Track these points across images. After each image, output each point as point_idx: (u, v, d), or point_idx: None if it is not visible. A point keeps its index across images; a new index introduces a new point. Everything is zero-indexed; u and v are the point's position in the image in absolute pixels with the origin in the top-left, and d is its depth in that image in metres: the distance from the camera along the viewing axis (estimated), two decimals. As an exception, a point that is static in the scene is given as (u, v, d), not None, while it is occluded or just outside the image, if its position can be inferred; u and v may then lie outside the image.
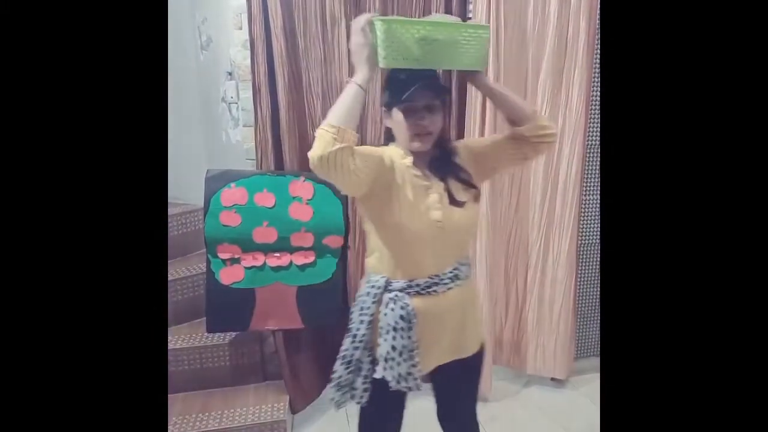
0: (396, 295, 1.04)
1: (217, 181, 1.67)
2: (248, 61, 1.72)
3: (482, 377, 1.25)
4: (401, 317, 1.03)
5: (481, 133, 1.81)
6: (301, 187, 1.72)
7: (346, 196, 1.78)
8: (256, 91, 1.67)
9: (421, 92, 0.98)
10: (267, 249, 1.72)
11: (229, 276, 1.70)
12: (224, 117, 2.12)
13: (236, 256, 1.70)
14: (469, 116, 1.81)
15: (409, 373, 1.07)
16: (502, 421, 1.97)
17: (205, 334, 1.86)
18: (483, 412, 2.00)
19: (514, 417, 1.99)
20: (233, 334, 1.92)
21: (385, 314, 1.04)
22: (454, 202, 1.04)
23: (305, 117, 1.78)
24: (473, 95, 1.78)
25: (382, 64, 0.92)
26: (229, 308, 1.72)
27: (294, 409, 1.90)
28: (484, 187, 1.83)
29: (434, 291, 1.05)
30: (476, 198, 1.09)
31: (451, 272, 1.07)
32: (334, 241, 1.77)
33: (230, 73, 2.00)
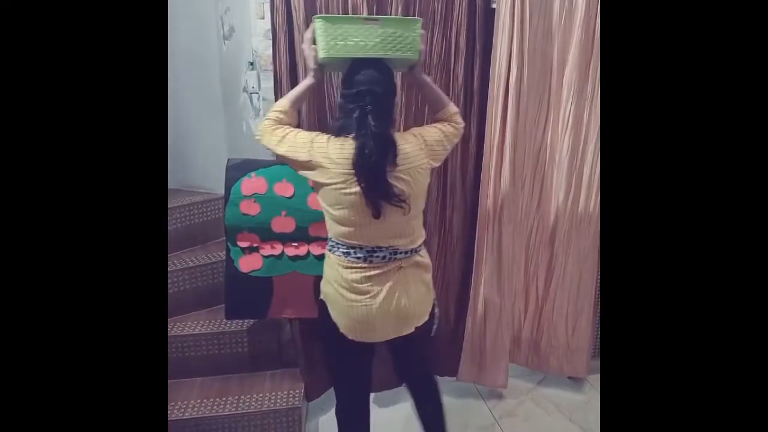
0: None
1: (237, 171, 1.68)
2: (270, 51, 1.72)
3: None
4: None
5: (502, 131, 1.78)
6: (320, 178, 1.72)
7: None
8: (277, 82, 1.68)
9: None
10: (285, 238, 1.73)
11: (247, 264, 1.72)
12: (245, 107, 2.14)
13: (255, 245, 1.72)
14: (489, 116, 1.79)
15: None
16: (518, 418, 1.96)
17: (224, 320, 1.90)
18: (498, 408, 2.00)
19: (529, 414, 1.98)
20: (251, 321, 1.95)
21: None
22: None
23: (325, 108, 1.77)
24: (494, 94, 1.76)
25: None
26: (247, 296, 1.74)
27: (309, 397, 1.92)
28: (506, 180, 1.81)
29: None
30: None
31: None
32: (351, 233, 1.78)
33: (252, 63, 2.01)
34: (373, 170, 1.14)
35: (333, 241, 1.30)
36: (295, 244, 1.74)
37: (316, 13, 1.67)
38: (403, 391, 2.05)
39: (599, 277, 2.06)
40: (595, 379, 2.16)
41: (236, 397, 1.79)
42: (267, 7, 1.73)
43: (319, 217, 1.73)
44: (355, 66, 1.22)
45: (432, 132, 1.31)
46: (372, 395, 2.03)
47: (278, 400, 1.78)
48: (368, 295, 1.24)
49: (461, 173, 1.86)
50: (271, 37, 1.67)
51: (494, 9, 1.74)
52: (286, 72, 1.66)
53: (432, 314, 1.38)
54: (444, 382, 2.09)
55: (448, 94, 1.81)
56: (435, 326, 1.43)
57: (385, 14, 1.69)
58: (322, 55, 1.21)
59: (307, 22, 1.65)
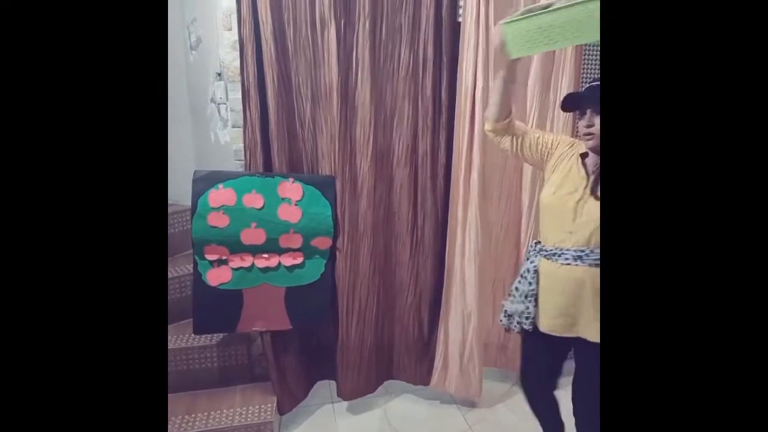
0: (533, 252, 1.33)
1: (204, 182, 1.66)
2: (237, 62, 1.71)
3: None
4: (527, 269, 1.32)
5: (470, 142, 1.82)
6: (290, 189, 1.72)
7: (335, 198, 1.78)
8: (245, 93, 1.67)
9: (569, 102, 1.26)
10: (255, 250, 1.71)
11: (216, 277, 1.70)
12: (213, 118, 2.12)
13: (224, 258, 1.70)
14: (457, 127, 1.83)
15: (522, 314, 1.34)
16: (490, 423, 1.98)
17: (192, 334, 1.86)
18: (472, 415, 2.02)
19: (501, 419, 2.00)
20: (221, 335, 1.91)
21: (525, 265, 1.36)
22: (593, 194, 1.21)
23: (294, 119, 1.78)
24: (462, 106, 1.80)
25: (513, 56, 1.15)
26: (216, 309, 1.71)
27: (281, 411, 1.90)
28: (474, 189, 1.84)
29: (555, 259, 1.25)
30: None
31: (575, 251, 1.22)
32: (322, 243, 1.77)
33: (219, 74, 1.99)
34: None
35: None
36: (266, 255, 1.73)
37: (283, 26, 1.68)
38: (374, 398, 2.05)
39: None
40: (564, 381, 2.20)
41: (206, 414, 1.75)
42: (234, 18, 1.73)
43: (289, 228, 1.73)
44: None
45: None
46: (345, 404, 2.03)
47: (250, 415, 1.75)
48: None
49: (431, 183, 1.89)
50: (238, 49, 1.66)
51: (460, 22, 1.79)
52: (254, 83, 1.66)
53: None
54: (417, 390, 2.12)
55: (416, 107, 1.85)
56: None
57: (352, 24, 1.71)
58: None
59: (275, 34, 1.66)
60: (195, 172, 1.68)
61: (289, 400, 1.92)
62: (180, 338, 1.91)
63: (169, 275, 2.01)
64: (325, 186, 1.76)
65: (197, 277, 1.69)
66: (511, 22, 1.10)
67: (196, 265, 1.68)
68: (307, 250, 1.77)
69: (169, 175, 2.31)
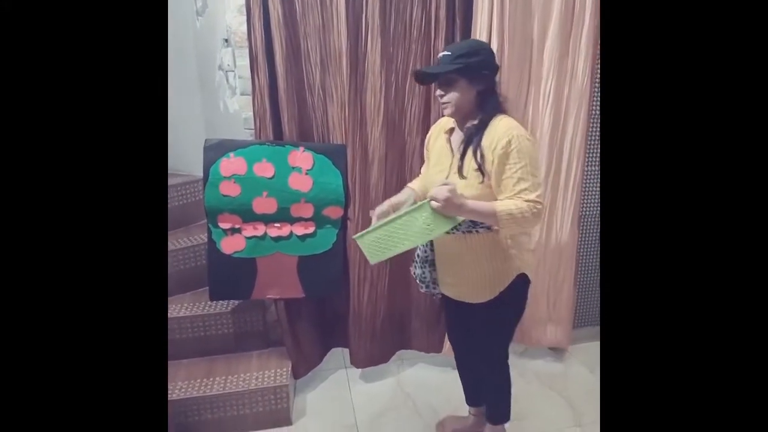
0: None
1: (215, 151, 1.66)
2: (244, 27, 1.67)
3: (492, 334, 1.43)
4: None
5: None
6: (301, 158, 1.71)
7: (347, 167, 1.76)
8: (253, 59, 1.64)
9: (421, 74, 1.26)
10: (267, 219, 1.72)
11: (230, 246, 1.72)
12: (221, 86, 2.09)
13: (237, 226, 1.71)
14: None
15: (419, 276, 1.44)
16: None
17: (208, 302, 1.90)
18: (481, 378, 2.05)
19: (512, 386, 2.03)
20: (236, 302, 1.95)
21: None
22: (459, 172, 1.25)
23: (304, 86, 1.74)
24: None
25: (372, 262, 1.26)
26: (231, 277, 1.74)
27: (296, 375, 1.95)
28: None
29: None
30: (482, 177, 1.22)
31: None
32: (334, 212, 1.77)
33: (227, 40, 1.95)
34: None
35: None
36: (278, 224, 1.74)
37: (291, -13, 1.63)
38: (386, 367, 2.09)
39: (578, 250, 2.10)
40: (574, 349, 2.23)
41: (224, 378, 1.81)
42: (240, -20, 1.67)
43: (300, 198, 1.73)
44: None
45: None
46: (357, 371, 2.08)
47: (266, 379, 1.80)
48: None
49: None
50: (245, 13, 1.62)
51: (474, -18, 1.71)
52: (262, 49, 1.62)
53: None
54: (430, 359, 2.15)
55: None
56: None
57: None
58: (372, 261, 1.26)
59: (282, -4, 1.60)
60: (206, 140, 1.67)
61: (304, 365, 1.97)
62: (197, 305, 1.95)
63: (185, 245, 2.04)
64: (336, 155, 1.75)
65: (212, 246, 1.71)
66: (361, 235, 1.24)
67: (210, 233, 1.70)
68: (318, 220, 1.77)
69: (180, 145, 2.31)
